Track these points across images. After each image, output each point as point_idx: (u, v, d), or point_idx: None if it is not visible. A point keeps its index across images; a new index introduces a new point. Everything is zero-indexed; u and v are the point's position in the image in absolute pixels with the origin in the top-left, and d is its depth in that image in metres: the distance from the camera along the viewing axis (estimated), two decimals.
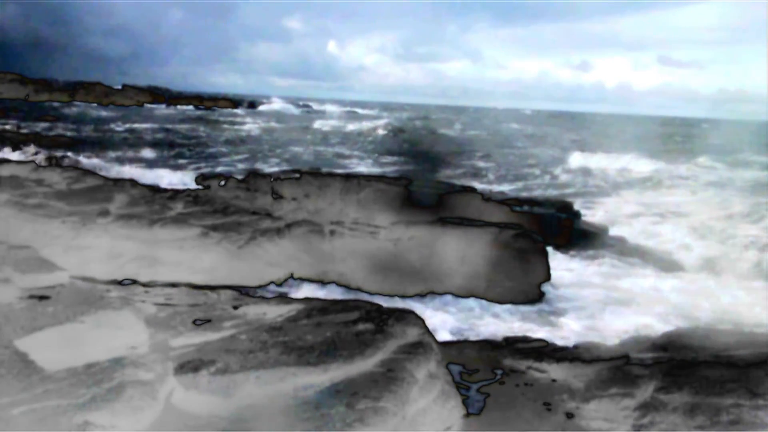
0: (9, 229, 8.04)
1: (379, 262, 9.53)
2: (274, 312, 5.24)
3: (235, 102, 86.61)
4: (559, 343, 6.80)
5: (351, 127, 52.87)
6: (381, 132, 47.64)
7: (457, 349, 6.11)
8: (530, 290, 9.49)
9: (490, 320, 8.85)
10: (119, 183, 11.19)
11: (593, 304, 9.69)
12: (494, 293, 9.36)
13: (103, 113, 56.41)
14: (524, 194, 18.13)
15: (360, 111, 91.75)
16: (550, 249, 10.58)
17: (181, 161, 26.81)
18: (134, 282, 7.75)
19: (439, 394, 4.33)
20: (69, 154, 23.74)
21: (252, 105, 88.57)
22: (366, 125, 53.50)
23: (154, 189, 11.33)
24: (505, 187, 21.55)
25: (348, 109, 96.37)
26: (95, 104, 69.57)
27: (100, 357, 4.16)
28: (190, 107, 76.82)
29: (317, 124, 55.46)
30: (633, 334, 7.56)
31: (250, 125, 50.89)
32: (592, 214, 15.95)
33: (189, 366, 4.15)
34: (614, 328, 8.59)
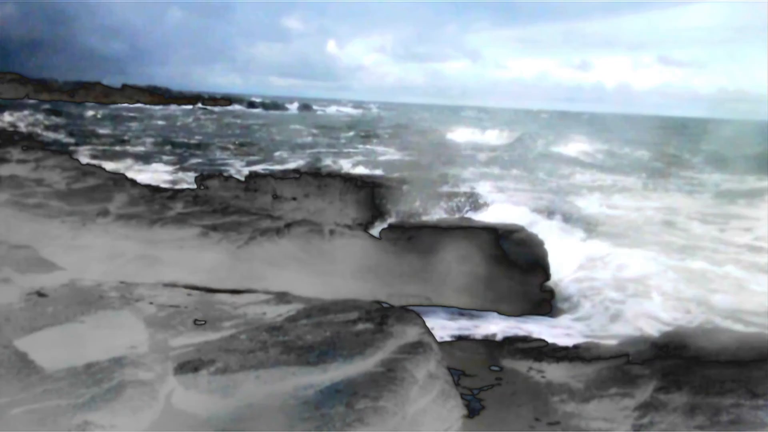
0: (9, 229, 8.02)
1: (379, 262, 9.52)
2: (273, 312, 5.25)
3: (232, 101, 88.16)
4: (559, 342, 6.80)
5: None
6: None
7: (456, 349, 6.11)
8: (530, 290, 9.49)
9: (490, 320, 8.84)
10: (119, 183, 11.17)
11: (593, 303, 9.69)
12: (494, 293, 9.36)
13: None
14: None
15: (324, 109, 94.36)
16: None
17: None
18: (134, 282, 7.73)
19: (439, 394, 4.32)
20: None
21: (251, 104, 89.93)
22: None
23: (154, 189, 11.32)
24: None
25: (336, 109, 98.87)
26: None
27: (100, 357, 4.16)
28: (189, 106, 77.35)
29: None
30: (633, 333, 7.56)
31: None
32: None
33: (189, 366, 4.15)
34: (614, 327, 8.59)
